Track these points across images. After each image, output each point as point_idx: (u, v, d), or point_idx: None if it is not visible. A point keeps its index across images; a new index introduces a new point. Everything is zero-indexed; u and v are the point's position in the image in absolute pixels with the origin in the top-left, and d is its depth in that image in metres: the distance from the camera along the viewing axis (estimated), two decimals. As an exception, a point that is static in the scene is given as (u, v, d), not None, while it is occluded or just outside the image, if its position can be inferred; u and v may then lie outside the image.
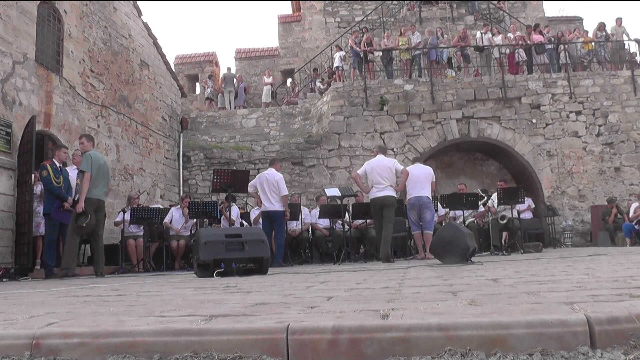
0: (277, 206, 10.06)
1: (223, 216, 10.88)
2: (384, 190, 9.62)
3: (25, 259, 8.77)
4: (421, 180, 9.99)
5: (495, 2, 21.03)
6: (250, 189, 10.35)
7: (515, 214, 11.38)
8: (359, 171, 9.87)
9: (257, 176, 10.62)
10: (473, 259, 6.90)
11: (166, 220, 11.21)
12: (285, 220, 10.39)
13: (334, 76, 17.72)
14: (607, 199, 14.58)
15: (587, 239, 14.93)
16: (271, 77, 20.11)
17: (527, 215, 12.56)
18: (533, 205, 13.01)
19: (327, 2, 21.78)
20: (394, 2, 21.07)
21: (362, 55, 16.66)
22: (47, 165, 8.63)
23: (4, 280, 8.09)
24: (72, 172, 9.15)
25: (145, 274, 9.28)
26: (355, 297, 2.57)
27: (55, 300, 3.35)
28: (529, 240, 12.10)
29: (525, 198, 11.58)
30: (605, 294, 2.12)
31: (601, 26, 17.04)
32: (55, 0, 10.87)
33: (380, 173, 9.63)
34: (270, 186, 10.08)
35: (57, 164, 8.81)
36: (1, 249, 8.72)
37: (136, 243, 10.71)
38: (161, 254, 10.96)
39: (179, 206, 11.68)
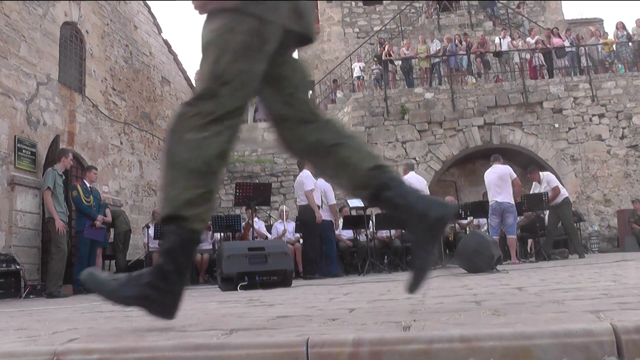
0: (324, 215, 9.79)
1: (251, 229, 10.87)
2: None
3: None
4: (496, 183, 9.82)
5: (514, 5, 20.91)
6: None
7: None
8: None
9: None
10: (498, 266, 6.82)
11: None
12: (333, 229, 10.23)
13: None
14: (632, 199, 14.37)
15: (614, 244, 14.68)
16: (286, 90, 20.15)
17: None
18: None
19: (345, 12, 21.86)
20: (412, 10, 21.07)
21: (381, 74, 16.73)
22: (78, 185, 8.92)
23: (31, 296, 8.19)
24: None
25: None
26: (378, 309, 2.54)
27: (79, 316, 3.37)
28: (554, 247, 11.91)
29: (541, 175, 10.96)
30: (633, 301, 2.07)
31: (620, 25, 16.84)
32: (77, 21, 11.06)
33: (420, 188, 9.95)
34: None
35: (87, 184, 9.00)
36: (28, 266, 8.84)
37: (160, 257, 10.75)
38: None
39: None
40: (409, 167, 10.82)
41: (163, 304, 1.96)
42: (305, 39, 2.15)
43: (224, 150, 2.00)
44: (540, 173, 11.11)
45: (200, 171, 1.93)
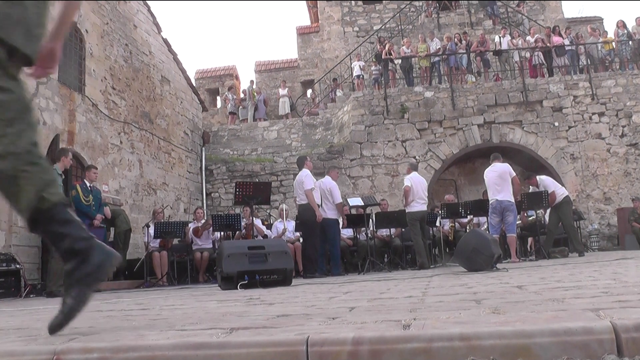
0: (329, 214, 9.88)
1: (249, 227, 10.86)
2: (424, 205, 10.33)
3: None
4: (495, 182, 9.84)
5: (514, 4, 20.89)
6: None
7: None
8: (408, 184, 10.13)
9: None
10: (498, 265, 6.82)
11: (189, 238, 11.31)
12: (339, 227, 10.35)
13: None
14: (632, 198, 14.37)
15: (614, 243, 14.68)
16: (287, 89, 20.10)
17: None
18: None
19: (345, 11, 21.84)
20: (412, 9, 21.05)
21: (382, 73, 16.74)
22: (77, 185, 9.01)
23: (31, 296, 8.19)
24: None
25: (169, 287, 9.32)
26: (378, 307, 2.54)
27: (78, 315, 3.36)
28: (554, 246, 11.90)
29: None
30: (633, 299, 2.07)
31: (621, 24, 16.82)
32: (76, 21, 11.04)
33: (422, 189, 10.30)
34: (324, 194, 9.99)
35: (88, 184, 9.03)
36: (28, 266, 8.83)
37: (160, 256, 10.75)
38: (185, 266, 11.00)
39: (194, 222, 11.70)
40: (412, 167, 10.81)
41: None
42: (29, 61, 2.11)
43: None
44: (538, 177, 11.10)
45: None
